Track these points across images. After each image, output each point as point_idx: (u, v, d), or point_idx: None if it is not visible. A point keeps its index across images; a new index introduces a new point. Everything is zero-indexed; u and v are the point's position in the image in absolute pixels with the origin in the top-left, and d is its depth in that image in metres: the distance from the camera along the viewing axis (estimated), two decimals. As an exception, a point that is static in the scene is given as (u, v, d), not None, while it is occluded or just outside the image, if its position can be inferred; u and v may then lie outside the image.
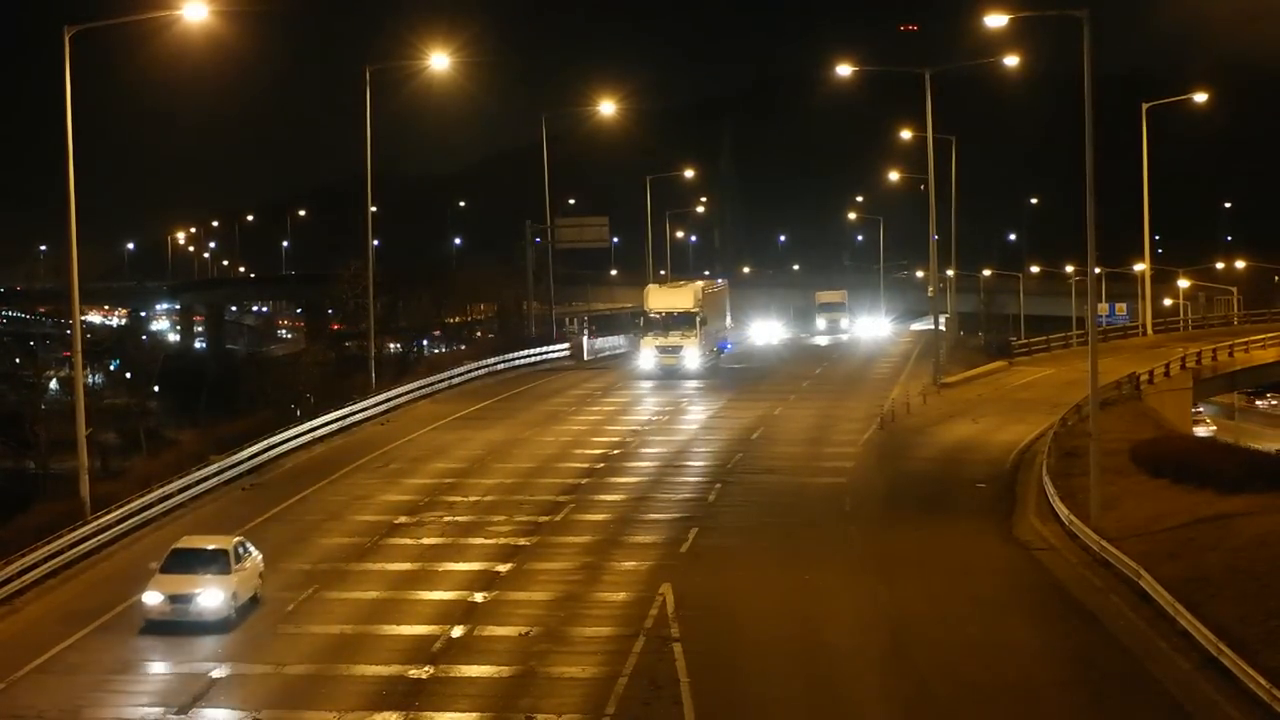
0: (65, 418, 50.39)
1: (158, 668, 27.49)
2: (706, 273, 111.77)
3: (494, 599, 31.73)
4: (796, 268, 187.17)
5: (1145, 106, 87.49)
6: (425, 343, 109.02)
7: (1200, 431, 77.21)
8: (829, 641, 28.47)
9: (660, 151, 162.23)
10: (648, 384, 70.84)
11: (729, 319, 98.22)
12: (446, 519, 39.84)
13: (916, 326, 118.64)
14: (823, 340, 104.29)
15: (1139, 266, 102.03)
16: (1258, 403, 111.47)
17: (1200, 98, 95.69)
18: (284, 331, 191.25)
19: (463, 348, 77.65)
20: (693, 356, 71.32)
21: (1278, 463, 43.37)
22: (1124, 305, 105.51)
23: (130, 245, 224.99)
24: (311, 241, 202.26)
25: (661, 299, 73.71)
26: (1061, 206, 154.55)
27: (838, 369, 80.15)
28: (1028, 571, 34.28)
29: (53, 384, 77.30)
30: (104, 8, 46.38)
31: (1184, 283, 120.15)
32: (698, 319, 72.15)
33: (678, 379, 70.06)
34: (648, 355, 71.98)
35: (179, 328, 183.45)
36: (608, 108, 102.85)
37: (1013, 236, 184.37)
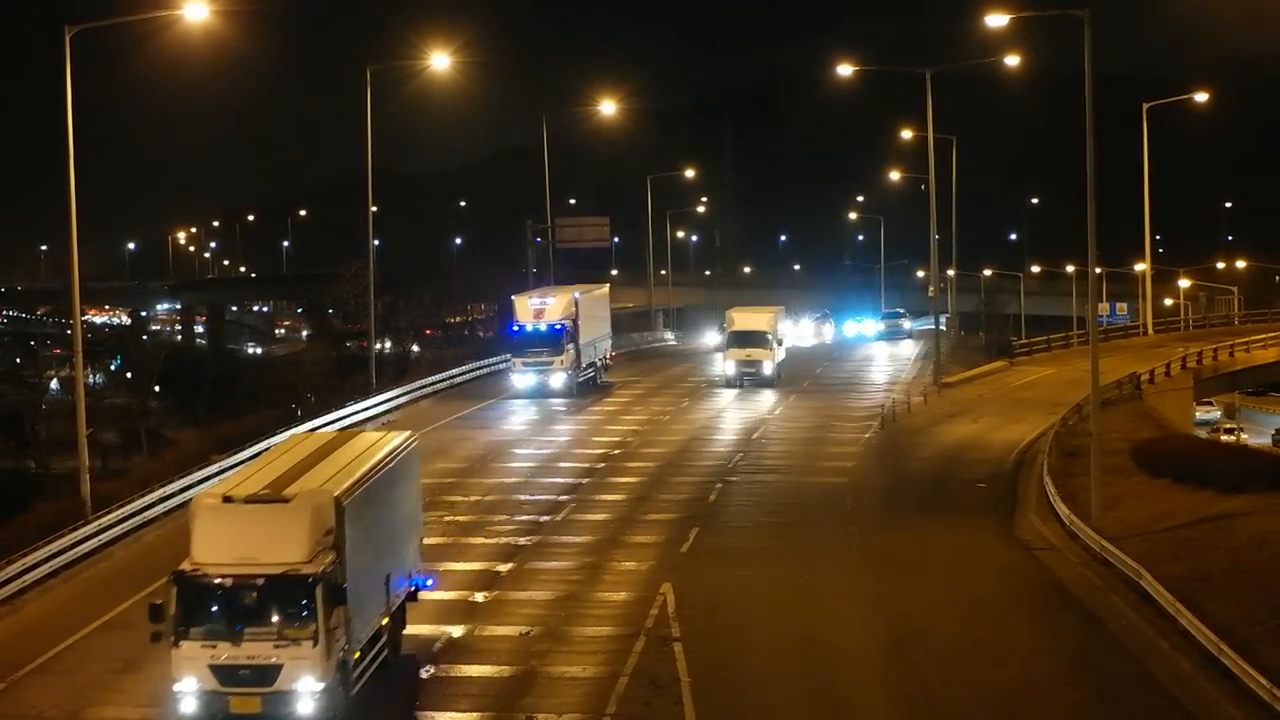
0: (66, 417, 50.40)
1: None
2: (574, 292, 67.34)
3: (495, 598, 31.73)
4: (798, 268, 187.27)
5: (1146, 106, 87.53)
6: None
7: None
8: (830, 641, 28.47)
9: (661, 151, 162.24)
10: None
11: (608, 345, 72.59)
12: (447, 518, 39.84)
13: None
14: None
15: (1139, 266, 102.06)
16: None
17: (1201, 97, 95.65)
18: (284, 330, 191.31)
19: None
20: (305, 707, 23.37)
21: (1278, 462, 43.32)
22: (1124, 305, 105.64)
23: (131, 245, 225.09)
24: (312, 241, 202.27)
25: (221, 528, 24.07)
26: (1062, 206, 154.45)
27: (838, 369, 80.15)
28: (1028, 571, 34.28)
29: (53, 384, 77.23)
30: (104, 8, 46.38)
31: (1185, 282, 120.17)
32: (318, 590, 23.32)
33: None
34: (188, 705, 23.72)
35: (179, 328, 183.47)
36: (608, 107, 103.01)
37: (1013, 236, 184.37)
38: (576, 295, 65.19)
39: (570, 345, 63.70)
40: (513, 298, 66.98)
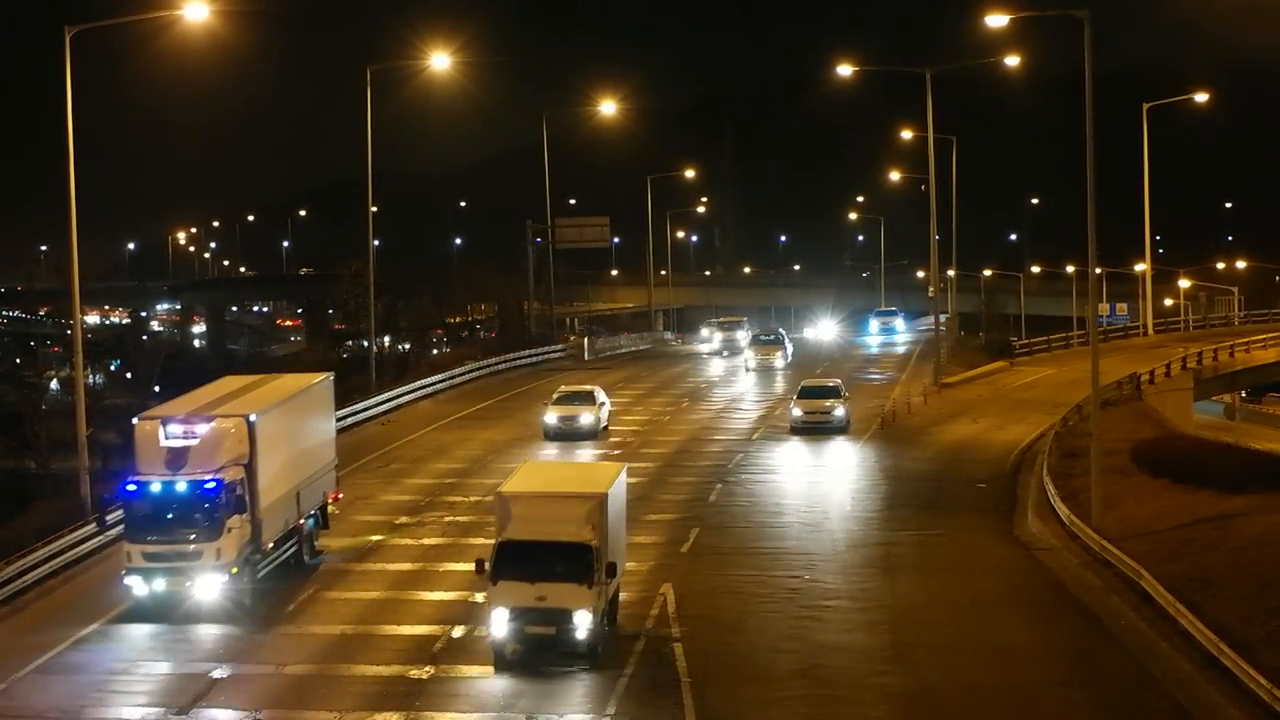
0: (66, 418, 50.33)
1: (159, 668, 27.49)
2: None
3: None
4: (797, 268, 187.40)
5: (1146, 106, 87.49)
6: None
7: None
8: (830, 641, 28.46)
9: (661, 151, 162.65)
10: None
11: (328, 484, 37.42)
12: (448, 519, 39.86)
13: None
14: None
15: (1140, 266, 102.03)
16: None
17: (1201, 97, 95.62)
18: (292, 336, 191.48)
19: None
20: None
21: (1278, 462, 43.30)
22: (1125, 305, 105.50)
23: (131, 245, 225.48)
24: (312, 241, 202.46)
25: None
26: (1062, 206, 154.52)
27: (840, 368, 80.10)
28: (1029, 571, 34.28)
29: (53, 384, 77.23)
30: (104, 8, 46.42)
31: (1185, 283, 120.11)
32: None
33: None
34: None
35: (178, 330, 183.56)
36: (609, 107, 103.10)
37: (1013, 236, 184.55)
38: (252, 418, 32.47)
39: (235, 517, 31.45)
40: (134, 422, 32.71)
